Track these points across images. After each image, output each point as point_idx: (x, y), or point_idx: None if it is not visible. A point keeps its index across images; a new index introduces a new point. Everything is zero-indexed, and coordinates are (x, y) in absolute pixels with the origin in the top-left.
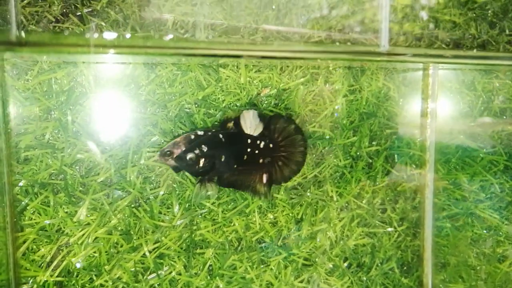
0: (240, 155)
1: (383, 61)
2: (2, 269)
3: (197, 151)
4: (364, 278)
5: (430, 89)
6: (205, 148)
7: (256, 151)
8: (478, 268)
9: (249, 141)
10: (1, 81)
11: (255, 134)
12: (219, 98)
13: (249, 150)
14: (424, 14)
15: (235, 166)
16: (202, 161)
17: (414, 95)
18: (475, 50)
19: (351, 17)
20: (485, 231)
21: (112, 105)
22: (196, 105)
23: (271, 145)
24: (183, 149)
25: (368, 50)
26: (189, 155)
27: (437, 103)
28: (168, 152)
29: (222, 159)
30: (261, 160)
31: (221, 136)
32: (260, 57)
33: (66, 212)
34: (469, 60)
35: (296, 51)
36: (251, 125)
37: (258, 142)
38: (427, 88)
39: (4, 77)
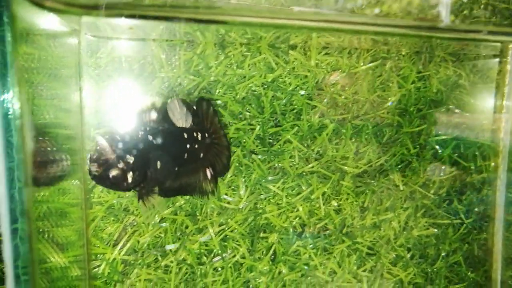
0: (180, 154)
1: (456, 39)
2: (79, 243)
3: (121, 165)
4: (428, 270)
5: (507, 76)
6: (131, 159)
7: (196, 145)
8: None
9: (185, 135)
10: (78, 58)
11: (187, 125)
12: (286, 81)
13: (188, 146)
14: None
15: (176, 168)
16: (130, 176)
17: (487, 83)
18: None
19: None
20: None
21: (181, 84)
22: (264, 88)
23: (206, 134)
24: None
25: (431, 25)
26: (112, 173)
27: None
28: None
29: (158, 166)
30: (201, 154)
31: (151, 138)
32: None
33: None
34: None
35: (354, 22)
36: (180, 116)
37: (195, 134)
38: (503, 76)
39: (80, 54)
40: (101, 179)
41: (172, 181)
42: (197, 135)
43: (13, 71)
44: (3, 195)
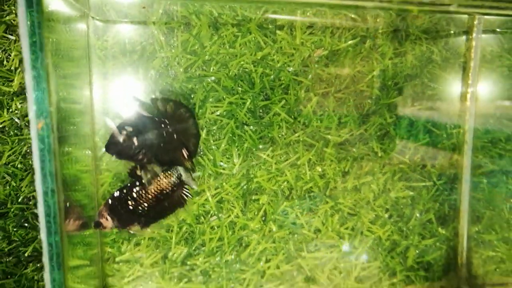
0: (159, 132)
1: (425, 10)
2: (90, 206)
3: (124, 132)
4: (404, 228)
5: (473, 51)
6: (129, 128)
7: (168, 127)
8: (511, 221)
9: (156, 119)
10: (87, 41)
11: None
12: (274, 59)
13: (163, 126)
14: None
15: (162, 144)
16: (135, 140)
17: (456, 58)
18: None
19: None
20: None
21: (179, 63)
22: (254, 65)
23: (170, 122)
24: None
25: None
26: (121, 137)
27: (477, 64)
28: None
29: (150, 136)
30: (175, 136)
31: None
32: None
33: None
34: None
35: None
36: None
37: (162, 120)
38: (470, 51)
39: (88, 37)
40: (112, 144)
41: (163, 154)
42: (164, 121)
43: (43, 53)
44: (37, 156)
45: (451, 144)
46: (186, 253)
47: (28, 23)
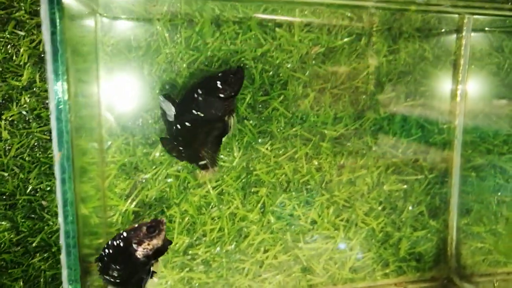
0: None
1: (419, 10)
2: (96, 197)
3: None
4: (397, 220)
5: (463, 49)
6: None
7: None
8: (498, 214)
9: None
10: (95, 37)
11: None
12: (273, 55)
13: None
14: None
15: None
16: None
17: (448, 55)
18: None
19: None
20: (505, 182)
21: (182, 59)
22: (254, 61)
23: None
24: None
25: None
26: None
27: (467, 62)
28: None
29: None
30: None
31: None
32: None
33: (143, 152)
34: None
35: None
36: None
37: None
38: (460, 48)
39: (96, 33)
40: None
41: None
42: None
43: (63, 50)
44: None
45: (442, 139)
46: (188, 243)
47: (50, 18)
